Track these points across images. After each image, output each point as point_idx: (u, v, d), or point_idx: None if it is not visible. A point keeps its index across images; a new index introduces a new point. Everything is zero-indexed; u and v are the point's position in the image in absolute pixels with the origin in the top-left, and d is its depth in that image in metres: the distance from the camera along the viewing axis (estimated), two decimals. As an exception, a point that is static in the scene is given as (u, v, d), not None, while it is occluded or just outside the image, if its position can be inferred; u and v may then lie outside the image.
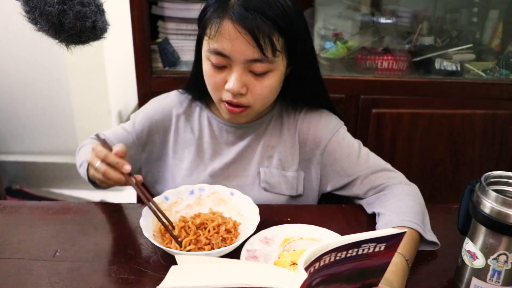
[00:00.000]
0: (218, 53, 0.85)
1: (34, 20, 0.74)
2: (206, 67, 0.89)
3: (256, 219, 0.83)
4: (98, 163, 0.80)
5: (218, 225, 0.82)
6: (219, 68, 0.87)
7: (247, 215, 0.87)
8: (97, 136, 0.87)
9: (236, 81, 0.85)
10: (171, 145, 1.04)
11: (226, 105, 0.90)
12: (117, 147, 0.81)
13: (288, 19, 0.84)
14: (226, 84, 0.87)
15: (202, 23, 0.88)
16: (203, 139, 1.02)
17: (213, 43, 0.84)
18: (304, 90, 0.97)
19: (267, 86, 0.88)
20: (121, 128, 1.05)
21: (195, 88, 1.00)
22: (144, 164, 1.06)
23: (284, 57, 0.88)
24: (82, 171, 0.98)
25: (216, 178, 1.00)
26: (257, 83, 0.87)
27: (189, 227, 0.82)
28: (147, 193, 0.82)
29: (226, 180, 1.00)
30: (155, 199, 0.85)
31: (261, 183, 0.99)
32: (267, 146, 1.00)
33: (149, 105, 1.07)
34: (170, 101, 1.05)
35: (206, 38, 0.87)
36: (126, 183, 0.82)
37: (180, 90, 1.06)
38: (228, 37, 0.82)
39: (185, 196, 0.90)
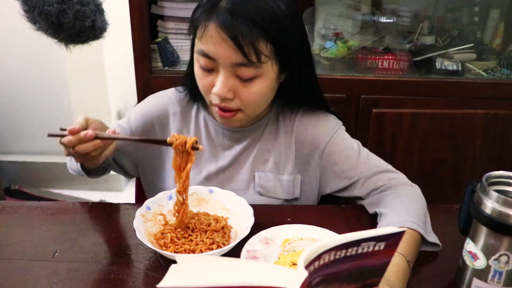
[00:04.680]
0: (204, 55, 0.84)
1: (33, 20, 0.74)
2: (196, 68, 0.89)
3: (248, 210, 0.83)
4: (73, 156, 0.81)
5: (205, 230, 0.82)
6: (208, 70, 0.86)
7: (233, 208, 0.87)
8: (60, 129, 0.84)
9: (222, 85, 0.84)
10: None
11: (217, 109, 0.89)
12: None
13: (278, 25, 0.82)
14: (213, 88, 0.86)
15: (193, 22, 0.87)
16: (200, 141, 1.00)
17: (200, 44, 0.84)
18: (301, 94, 0.96)
19: (255, 93, 0.86)
20: (116, 124, 1.04)
21: (191, 87, 0.98)
22: (141, 160, 1.04)
23: (274, 63, 0.86)
24: (73, 164, 0.97)
25: (211, 181, 0.99)
26: (244, 88, 0.86)
27: (176, 242, 0.81)
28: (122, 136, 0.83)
29: (221, 184, 0.98)
30: (138, 210, 0.84)
31: (256, 187, 0.98)
32: (262, 150, 0.99)
33: (146, 101, 1.05)
34: (167, 98, 1.03)
35: (196, 38, 0.86)
36: (103, 143, 0.81)
37: (179, 88, 1.04)
38: (212, 41, 0.82)
39: (165, 203, 0.89)
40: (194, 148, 0.79)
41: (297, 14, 0.89)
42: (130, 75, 1.59)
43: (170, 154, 1.01)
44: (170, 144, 0.79)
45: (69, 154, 0.82)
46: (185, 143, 0.79)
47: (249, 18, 0.80)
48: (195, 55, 0.87)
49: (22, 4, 0.74)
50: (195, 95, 0.98)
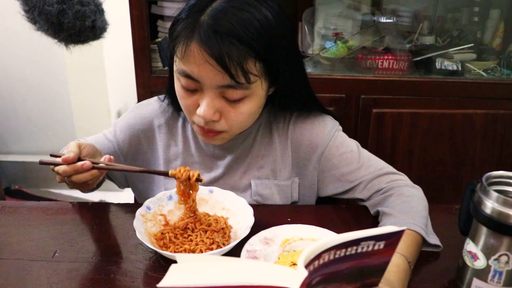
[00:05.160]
0: (187, 76, 0.77)
1: (33, 20, 0.74)
2: (177, 87, 0.82)
3: (248, 210, 0.83)
4: (66, 183, 0.80)
5: (205, 231, 0.82)
6: (190, 91, 0.80)
7: (233, 208, 0.87)
8: (50, 155, 0.82)
9: (208, 107, 0.78)
10: (158, 158, 0.99)
11: (199, 128, 0.84)
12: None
13: (267, 40, 0.76)
14: (197, 109, 0.80)
15: (172, 39, 0.79)
16: (190, 152, 0.97)
17: (181, 64, 0.77)
18: (292, 101, 0.92)
19: (243, 113, 0.81)
20: (103, 135, 1.01)
21: (173, 99, 0.92)
22: (129, 172, 1.02)
23: (264, 80, 0.81)
24: None
25: (210, 187, 0.98)
26: (232, 109, 0.80)
27: (176, 242, 0.81)
28: (120, 166, 0.82)
29: None
30: (139, 210, 0.83)
31: (253, 196, 0.95)
32: (256, 156, 0.95)
33: (130, 113, 1.01)
34: (151, 110, 0.99)
35: (176, 56, 0.79)
36: (100, 172, 0.80)
37: (160, 97, 0.98)
38: (194, 62, 0.75)
39: (165, 203, 0.88)
40: (198, 180, 0.80)
41: (285, 22, 0.82)
42: (130, 75, 1.59)
43: (158, 166, 1.00)
44: (175, 177, 0.80)
45: (62, 181, 0.80)
46: (189, 178, 0.79)
47: (235, 35, 0.72)
48: (175, 74, 0.81)
49: (22, 4, 0.74)
50: (179, 107, 0.91)
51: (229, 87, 0.77)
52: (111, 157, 0.81)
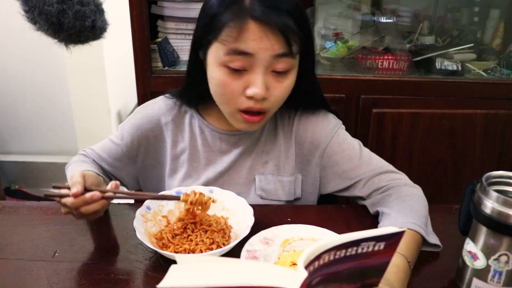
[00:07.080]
0: (240, 53, 0.79)
1: (33, 20, 0.74)
2: (220, 75, 0.83)
3: (248, 210, 0.83)
4: (72, 215, 0.80)
5: (205, 230, 0.82)
6: (238, 73, 0.82)
7: (233, 208, 0.87)
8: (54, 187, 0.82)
9: (261, 83, 0.81)
10: (166, 155, 1.01)
11: (244, 114, 0.86)
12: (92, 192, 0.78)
13: (303, 14, 0.83)
14: (247, 90, 0.82)
15: (212, 29, 0.81)
16: (196, 148, 0.98)
17: (232, 44, 0.79)
18: (302, 90, 0.93)
19: (286, 87, 0.85)
20: (109, 141, 1.01)
21: (191, 96, 0.96)
22: (140, 172, 1.03)
23: (299, 57, 0.85)
24: None
25: (210, 186, 0.98)
26: (278, 84, 0.84)
27: (174, 242, 0.81)
28: (129, 192, 0.84)
29: (221, 188, 0.97)
30: (139, 210, 0.84)
31: (257, 191, 0.97)
32: (261, 151, 0.97)
33: (136, 114, 1.02)
34: (157, 108, 1.00)
35: (218, 44, 0.81)
36: (109, 202, 0.82)
37: (168, 95, 1.01)
38: (251, 37, 0.78)
39: (165, 202, 0.88)
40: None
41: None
42: (130, 75, 1.59)
43: (166, 163, 1.01)
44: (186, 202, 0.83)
45: (68, 213, 0.80)
46: (205, 203, 0.82)
47: (282, 9, 0.79)
48: (220, 60, 0.82)
49: (22, 4, 0.74)
50: (195, 101, 0.97)
51: (282, 56, 0.81)
52: (117, 183, 0.81)
